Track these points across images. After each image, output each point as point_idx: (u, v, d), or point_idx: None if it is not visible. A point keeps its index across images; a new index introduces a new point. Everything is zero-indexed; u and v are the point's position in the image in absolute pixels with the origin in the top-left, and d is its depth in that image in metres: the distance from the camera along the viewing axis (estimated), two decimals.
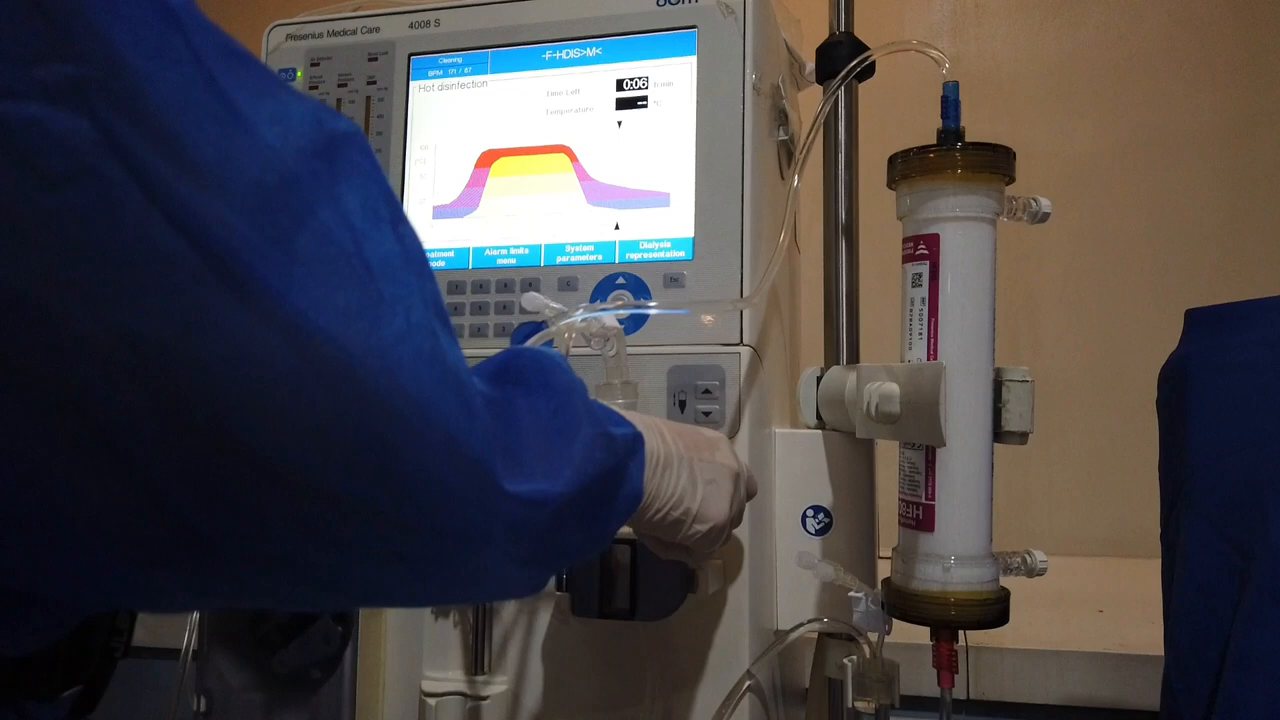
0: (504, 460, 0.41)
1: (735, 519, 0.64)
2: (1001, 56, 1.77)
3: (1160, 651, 0.74)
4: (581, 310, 0.68)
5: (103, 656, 0.48)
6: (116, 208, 0.28)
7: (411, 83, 0.84)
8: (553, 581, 0.75)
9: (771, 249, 0.78)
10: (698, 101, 0.77)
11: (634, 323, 0.75)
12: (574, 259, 0.78)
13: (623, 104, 0.79)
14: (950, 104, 0.67)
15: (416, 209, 0.82)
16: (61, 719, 0.46)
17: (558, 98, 0.80)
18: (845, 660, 0.74)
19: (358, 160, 0.35)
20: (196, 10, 0.31)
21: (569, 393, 0.50)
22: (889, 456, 0.72)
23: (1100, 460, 1.62)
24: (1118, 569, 1.49)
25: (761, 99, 0.78)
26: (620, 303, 0.74)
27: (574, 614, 0.71)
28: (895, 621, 0.69)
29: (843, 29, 0.83)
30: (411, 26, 0.85)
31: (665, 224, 0.76)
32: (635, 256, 0.76)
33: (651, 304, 0.74)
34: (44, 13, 0.27)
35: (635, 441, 0.54)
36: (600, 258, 0.77)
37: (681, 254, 0.75)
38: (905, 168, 0.66)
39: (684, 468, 0.59)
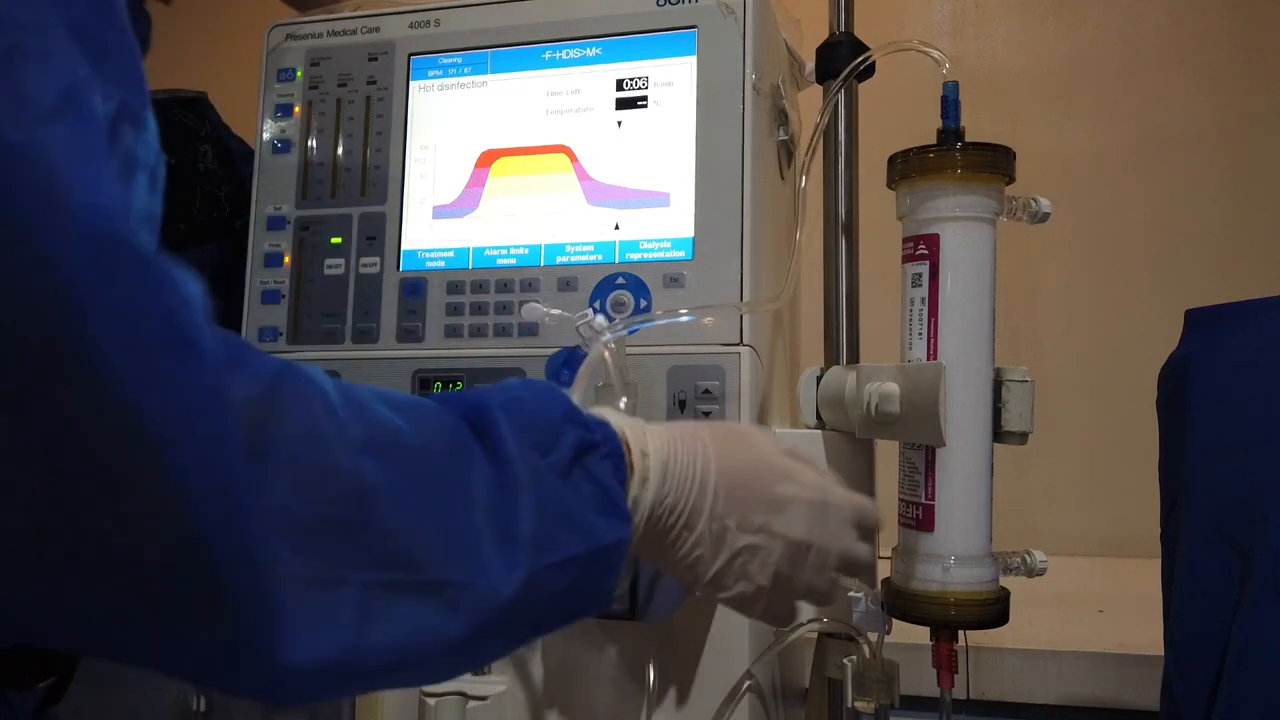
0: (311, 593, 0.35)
1: (808, 592, 0.56)
2: (1001, 56, 1.77)
3: (1160, 651, 0.74)
4: (608, 333, 0.66)
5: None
6: None
7: (411, 83, 0.84)
8: None
9: (772, 249, 0.78)
10: (698, 101, 0.77)
11: None
12: (574, 259, 0.78)
13: (623, 104, 0.79)
14: (950, 104, 0.67)
15: (416, 209, 0.82)
16: (36, 707, 0.50)
17: (558, 98, 0.80)
18: (845, 660, 0.74)
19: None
20: None
21: (525, 489, 0.43)
22: (889, 456, 0.72)
23: (1100, 460, 1.62)
24: (1118, 569, 1.49)
25: (761, 99, 0.78)
26: (661, 313, 0.71)
27: None
28: (895, 621, 0.69)
29: (843, 29, 0.84)
30: (411, 26, 0.85)
31: (665, 224, 0.76)
32: (635, 256, 0.76)
33: (682, 311, 0.70)
34: None
35: (615, 550, 0.46)
36: (600, 258, 0.77)
37: (681, 254, 0.75)
38: (905, 168, 0.66)
39: (709, 527, 0.52)
